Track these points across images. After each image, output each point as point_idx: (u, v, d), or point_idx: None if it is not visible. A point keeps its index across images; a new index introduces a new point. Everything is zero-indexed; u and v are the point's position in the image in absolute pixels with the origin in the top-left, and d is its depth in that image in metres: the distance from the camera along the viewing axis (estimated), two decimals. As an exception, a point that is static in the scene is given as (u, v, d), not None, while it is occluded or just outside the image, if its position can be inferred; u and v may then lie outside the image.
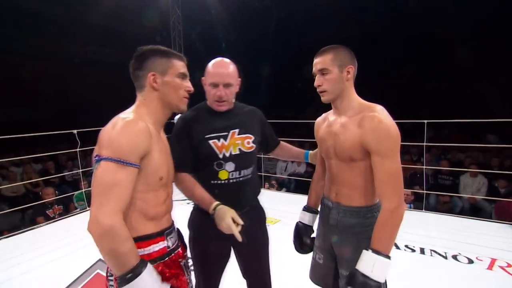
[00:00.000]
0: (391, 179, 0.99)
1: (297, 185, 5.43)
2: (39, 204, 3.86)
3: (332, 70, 1.07)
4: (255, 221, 1.34)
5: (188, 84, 1.00)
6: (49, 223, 3.39)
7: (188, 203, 3.80)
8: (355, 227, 1.11)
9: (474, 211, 4.03)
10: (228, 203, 1.24)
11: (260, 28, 12.17)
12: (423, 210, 3.41)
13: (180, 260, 1.01)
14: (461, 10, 8.53)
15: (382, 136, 0.98)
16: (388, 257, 0.96)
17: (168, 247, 0.97)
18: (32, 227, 3.22)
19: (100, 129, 0.88)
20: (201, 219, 1.31)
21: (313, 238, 1.34)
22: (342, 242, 1.14)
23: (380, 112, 1.02)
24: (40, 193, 4.39)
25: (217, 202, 1.14)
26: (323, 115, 1.29)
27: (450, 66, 9.60)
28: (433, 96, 10.00)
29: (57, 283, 2.08)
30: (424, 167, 3.79)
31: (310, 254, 1.35)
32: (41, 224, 3.35)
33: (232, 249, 1.36)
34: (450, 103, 8.95)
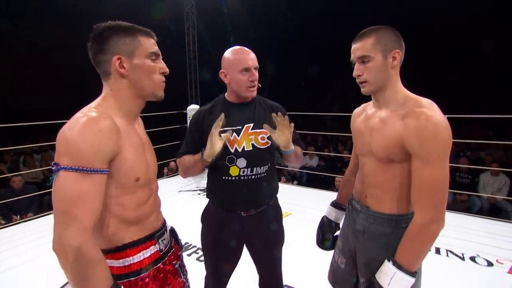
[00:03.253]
0: (430, 189, 0.84)
1: (309, 179, 5.39)
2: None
3: (374, 56, 0.91)
4: (270, 220, 1.31)
5: (162, 65, 0.85)
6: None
7: (199, 194, 3.83)
8: (385, 237, 0.97)
9: (494, 211, 3.87)
10: (239, 202, 1.23)
11: (274, 22, 11.97)
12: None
13: (174, 262, 0.94)
14: (486, 1, 8.08)
15: (427, 137, 0.82)
16: (411, 275, 0.86)
17: (161, 250, 0.88)
18: (50, 211, 3.33)
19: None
20: (214, 214, 1.30)
21: (337, 236, 1.26)
22: (368, 251, 1.01)
23: (428, 107, 0.85)
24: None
25: (203, 151, 1.16)
26: (362, 105, 1.14)
27: (473, 58, 9.16)
28: (453, 89, 9.62)
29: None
30: (449, 158, 3.64)
31: (327, 252, 1.30)
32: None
33: (245, 246, 1.34)
34: (471, 97, 8.58)
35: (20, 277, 2.10)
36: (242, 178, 1.21)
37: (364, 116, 1.08)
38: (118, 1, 8.93)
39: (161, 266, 0.87)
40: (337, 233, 1.28)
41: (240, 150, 1.20)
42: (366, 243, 1.03)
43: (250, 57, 1.19)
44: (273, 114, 1.13)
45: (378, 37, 0.92)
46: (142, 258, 0.82)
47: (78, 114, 0.73)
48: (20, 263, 2.25)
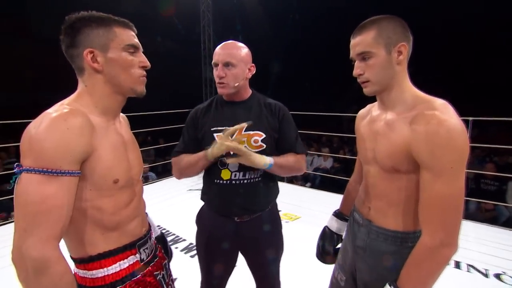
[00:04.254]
0: (441, 206, 0.72)
1: (322, 181, 5.24)
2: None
3: (376, 52, 0.80)
4: (266, 228, 1.22)
5: (142, 59, 0.78)
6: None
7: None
8: (388, 256, 0.86)
9: (524, 223, 3.59)
10: (231, 206, 1.16)
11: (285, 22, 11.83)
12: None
13: (157, 273, 0.85)
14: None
15: (439, 144, 0.70)
16: None
17: (142, 260, 0.80)
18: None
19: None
20: (208, 217, 1.24)
21: (338, 249, 1.16)
22: (368, 270, 0.91)
23: (442, 110, 0.73)
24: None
25: (206, 148, 1.09)
26: (368, 106, 1.03)
27: (501, 58, 8.61)
28: (480, 90, 9.09)
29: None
30: (465, 170, 3.40)
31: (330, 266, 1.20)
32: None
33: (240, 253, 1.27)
34: (499, 98, 8.07)
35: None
36: (234, 182, 1.14)
37: (368, 118, 0.96)
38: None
39: (140, 277, 0.79)
40: (339, 245, 1.17)
41: (232, 153, 1.11)
42: (367, 261, 0.92)
43: (220, 51, 1.11)
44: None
45: (380, 29, 0.80)
46: (118, 269, 0.75)
47: (48, 110, 0.67)
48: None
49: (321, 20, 11.01)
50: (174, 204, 3.44)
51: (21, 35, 8.97)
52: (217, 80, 1.12)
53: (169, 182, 4.27)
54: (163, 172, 5.64)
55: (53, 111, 0.66)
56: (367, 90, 0.86)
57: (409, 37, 0.82)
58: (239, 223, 1.17)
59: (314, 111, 4.46)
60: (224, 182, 1.14)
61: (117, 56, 0.74)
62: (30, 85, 9.36)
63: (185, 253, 2.34)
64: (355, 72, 0.86)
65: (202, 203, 1.28)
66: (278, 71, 11.15)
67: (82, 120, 0.67)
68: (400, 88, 0.83)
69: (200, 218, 1.28)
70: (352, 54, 0.86)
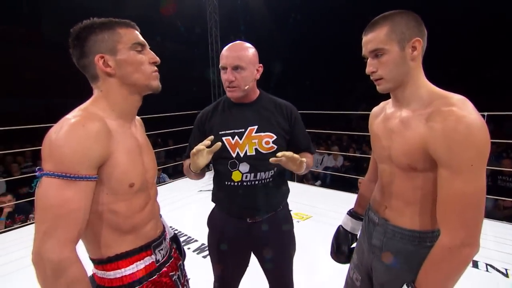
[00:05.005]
0: (460, 205, 0.69)
1: (333, 180, 5.19)
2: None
3: (390, 49, 0.78)
4: (278, 228, 1.22)
5: (151, 55, 0.79)
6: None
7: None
8: (406, 256, 0.84)
9: (543, 220, 3.46)
10: (243, 208, 1.16)
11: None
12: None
13: (172, 274, 0.87)
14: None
15: (458, 141, 0.68)
16: None
17: (157, 261, 0.82)
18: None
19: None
20: (219, 219, 1.24)
21: (353, 248, 1.15)
22: (385, 270, 0.89)
23: (460, 105, 0.70)
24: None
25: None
26: (381, 104, 1.01)
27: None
28: (495, 84, 8.81)
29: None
30: (485, 167, 3.29)
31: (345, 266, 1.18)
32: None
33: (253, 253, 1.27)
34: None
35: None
36: (245, 183, 1.13)
37: (383, 116, 0.94)
38: (137, 2, 9.22)
39: (157, 278, 0.81)
40: (354, 245, 1.16)
41: (242, 155, 1.11)
42: (383, 261, 0.90)
43: (228, 55, 1.08)
44: (278, 154, 1.01)
45: (393, 25, 0.77)
46: (135, 270, 0.77)
47: (67, 116, 0.69)
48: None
49: (326, 18, 10.90)
50: (185, 205, 3.47)
51: (27, 41, 9.21)
52: (226, 84, 1.10)
53: (180, 183, 4.31)
54: (173, 173, 5.70)
55: (72, 116, 0.68)
56: (380, 88, 0.84)
57: (424, 31, 0.79)
58: (251, 224, 1.17)
59: (322, 109, 4.42)
60: (235, 184, 1.14)
61: (126, 57, 0.74)
62: (43, 91, 9.60)
63: (198, 253, 2.35)
64: (368, 69, 0.84)
65: (213, 204, 1.29)
66: (283, 70, 11.10)
67: (100, 125, 0.68)
68: (415, 85, 0.81)
69: (212, 220, 1.29)
70: (365, 51, 0.84)
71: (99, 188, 0.70)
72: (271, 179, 1.16)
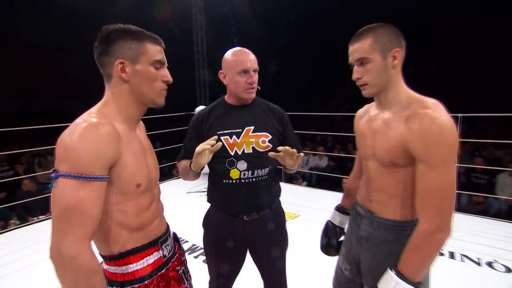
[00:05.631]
0: (435, 195, 0.80)
1: (319, 179, 5.32)
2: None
3: (373, 58, 0.87)
4: (273, 224, 1.28)
5: (165, 73, 0.84)
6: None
7: (201, 196, 3.83)
8: (389, 244, 0.94)
9: (512, 213, 3.72)
10: (241, 205, 1.21)
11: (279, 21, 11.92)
12: (454, 211, 3.18)
13: (178, 268, 0.92)
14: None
15: (432, 140, 0.78)
16: (415, 285, 0.82)
17: (164, 256, 0.87)
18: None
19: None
20: (216, 219, 1.28)
21: (341, 241, 1.23)
22: (372, 258, 0.98)
23: (434, 108, 0.81)
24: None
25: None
26: (365, 106, 1.10)
27: (491, 54, 8.83)
28: (469, 87, 9.31)
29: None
30: (457, 164, 3.50)
31: (334, 257, 1.26)
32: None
33: (248, 251, 1.32)
34: (489, 94, 8.29)
35: (37, 276, 2.14)
36: (243, 181, 1.19)
37: (367, 118, 1.04)
38: (124, 2, 9.07)
39: (165, 272, 0.86)
40: (342, 238, 1.24)
41: (240, 153, 1.18)
42: (370, 249, 0.99)
43: (249, 59, 1.17)
44: (279, 148, 1.09)
45: (376, 36, 0.88)
46: (145, 264, 0.81)
47: (78, 120, 0.73)
48: (36, 262, 2.30)
49: (313, 20, 11.15)
50: (175, 207, 3.47)
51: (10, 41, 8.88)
52: (246, 86, 1.16)
53: (168, 185, 4.29)
54: (161, 175, 5.63)
55: (84, 120, 0.72)
56: (365, 93, 0.94)
57: (402, 43, 0.89)
58: (248, 221, 1.23)
59: (307, 111, 4.53)
60: (234, 181, 1.19)
61: (144, 69, 0.79)
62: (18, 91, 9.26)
63: (189, 254, 2.38)
64: (354, 76, 0.93)
65: (202, 204, 1.33)
66: (272, 72, 11.22)
67: (111, 128, 0.72)
68: (396, 90, 0.91)
69: (208, 220, 1.32)
70: (351, 59, 0.93)
71: (109, 189, 0.74)
72: (267, 177, 1.22)
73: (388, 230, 0.94)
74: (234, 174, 1.19)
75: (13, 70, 8.89)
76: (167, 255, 0.89)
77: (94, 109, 0.79)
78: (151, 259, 0.83)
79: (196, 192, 3.96)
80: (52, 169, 0.69)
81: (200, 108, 4.86)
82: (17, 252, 2.48)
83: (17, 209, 3.67)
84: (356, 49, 0.90)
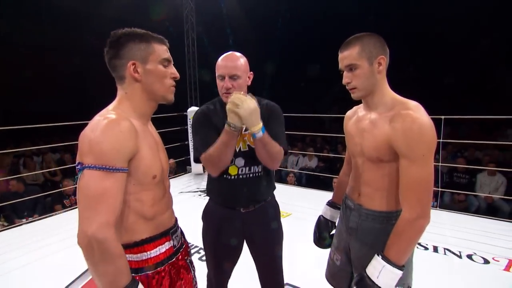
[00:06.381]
0: (416, 187, 0.89)
1: (308, 180, 5.43)
2: (57, 193, 4.02)
3: (361, 64, 0.97)
4: (269, 216, 1.35)
5: (173, 71, 0.90)
6: (66, 210, 3.53)
7: (200, 195, 3.87)
8: (376, 233, 1.02)
9: (491, 211, 3.92)
10: (239, 199, 1.28)
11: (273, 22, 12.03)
12: (437, 208, 3.35)
13: (186, 258, 0.99)
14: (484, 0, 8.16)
15: (413, 138, 0.87)
16: (399, 268, 0.90)
17: (174, 246, 0.93)
18: (52, 213, 3.35)
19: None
20: (215, 211, 1.34)
21: (333, 234, 1.31)
22: (360, 247, 1.07)
23: (414, 109, 0.90)
24: (61, 185, 4.58)
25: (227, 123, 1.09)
26: (354, 108, 1.20)
27: (471, 59, 9.21)
28: (452, 90, 9.67)
29: (73, 268, 2.17)
30: (440, 164, 3.69)
31: (325, 251, 1.35)
32: (58, 212, 3.48)
33: (245, 242, 1.38)
34: (470, 98, 8.63)
35: (25, 278, 2.13)
36: (241, 176, 1.27)
37: (355, 118, 1.13)
38: (117, 4, 8.98)
39: (175, 261, 0.92)
40: (333, 231, 1.32)
41: (237, 150, 1.24)
42: (359, 239, 1.08)
43: (226, 65, 1.20)
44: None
45: (363, 45, 0.97)
46: (158, 253, 0.87)
47: (98, 117, 0.78)
48: (25, 264, 2.28)
49: (304, 23, 11.29)
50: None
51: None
52: (223, 90, 1.22)
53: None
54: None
55: (105, 117, 0.77)
56: (354, 96, 1.04)
57: (387, 50, 0.99)
58: (245, 213, 1.30)
59: (297, 112, 4.62)
60: (232, 177, 1.27)
61: (154, 68, 0.85)
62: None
63: (183, 252, 2.41)
64: (344, 81, 1.03)
65: (195, 204, 1.37)
66: (267, 73, 11.30)
67: (130, 124, 0.78)
68: (381, 93, 1.01)
69: (207, 213, 1.39)
70: (341, 66, 1.03)
71: (128, 179, 0.79)
72: (262, 172, 1.31)
73: (375, 220, 1.03)
74: (233, 170, 1.26)
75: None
76: (176, 245, 0.94)
77: (111, 107, 0.84)
78: (163, 248, 0.88)
79: (189, 192, 3.98)
80: (77, 162, 0.74)
81: (193, 109, 4.89)
82: (4, 255, 2.45)
83: (6, 210, 3.60)
84: (346, 56, 1.00)
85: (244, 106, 1.04)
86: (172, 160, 4.72)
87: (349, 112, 1.22)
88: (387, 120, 0.95)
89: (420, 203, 0.89)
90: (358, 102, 1.15)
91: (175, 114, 4.85)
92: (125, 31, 0.84)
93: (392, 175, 0.97)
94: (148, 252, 0.85)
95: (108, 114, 0.78)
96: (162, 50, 0.87)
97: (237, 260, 1.39)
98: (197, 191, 4.01)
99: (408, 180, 0.90)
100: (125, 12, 9.13)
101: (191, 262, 1.04)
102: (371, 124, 1.01)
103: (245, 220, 1.31)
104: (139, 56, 0.83)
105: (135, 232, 0.84)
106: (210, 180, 1.37)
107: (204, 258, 2.13)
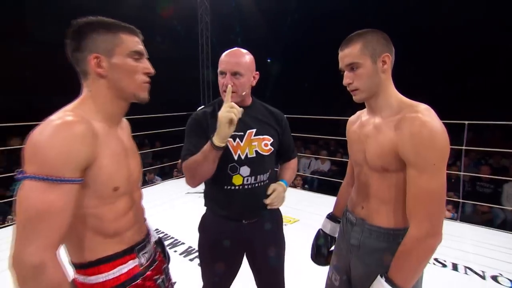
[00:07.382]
0: (425, 200, 0.78)
1: (320, 184, 5.26)
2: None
3: (363, 63, 0.87)
4: (271, 227, 1.24)
5: (146, 65, 0.78)
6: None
7: (199, 197, 3.79)
8: (381, 252, 0.90)
9: (518, 225, 3.63)
10: (241, 210, 1.18)
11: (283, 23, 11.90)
12: (458, 220, 3.11)
13: (156, 277, 0.85)
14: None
15: (423, 145, 0.76)
16: None
17: (141, 264, 0.80)
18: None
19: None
20: (214, 223, 1.23)
21: (332, 251, 1.19)
22: (362, 267, 0.95)
23: (424, 113, 0.79)
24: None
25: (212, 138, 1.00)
26: (357, 112, 1.09)
27: (498, 61, 8.71)
28: (476, 94, 9.19)
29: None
30: (462, 173, 3.43)
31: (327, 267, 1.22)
32: None
33: (245, 256, 1.27)
34: (495, 102, 8.16)
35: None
36: (246, 187, 1.15)
37: (358, 123, 1.03)
38: (130, 1, 9.09)
39: (140, 282, 0.79)
40: (333, 248, 1.20)
41: (243, 157, 1.13)
42: (361, 258, 0.95)
43: (228, 60, 1.10)
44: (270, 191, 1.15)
45: (365, 42, 0.87)
46: (118, 274, 0.75)
47: (51, 117, 0.66)
48: None
49: (318, 22, 11.09)
50: (173, 207, 3.43)
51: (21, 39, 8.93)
52: (223, 88, 1.11)
53: (168, 185, 4.27)
54: (162, 174, 5.63)
55: (57, 118, 0.65)
56: (356, 98, 0.93)
57: (391, 48, 0.89)
58: (247, 225, 1.19)
59: (311, 114, 4.49)
60: (236, 187, 1.15)
61: (121, 62, 0.74)
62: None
63: (184, 256, 2.33)
64: (345, 81, 0.92)
65: (201, 206, 1.28)
66: (275, 74, 11.19)
67: (85, 128, 0.66)
68: (386, 95, 0.90)
69: (204, 225, 1.27)
70: (341, 65, 0.92)
71: (83, 191, 0.68)
72: (267, 181, 1.19)
73: (380, 238, 0.91)
74: (237, 180, 1.14)
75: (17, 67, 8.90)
76: (144, 263, 0.82)
77: (69, 107, 0.73)
78: (125, 268, 0.76)
79: (195, 192, 3.92)
80: (19, 170, 0.63)
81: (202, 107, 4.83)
82: None
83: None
84: (346, 54, 0.90)
85: (280, 198, 1.17)
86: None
87: (352, 117, 1.12)
88: (393, 124, 0.84)
89: (429, 219, 0.78)
90: (364, 106, 1.03)
91: (186, 113, 4.82)
92: (88, 19, 0.72)
93: (400, 186, 0.86)
94: (105, 274, 0.73)
95: (62, 115, 0.67)
96: (131, 42, 0.75)
97: (236, 274, 1.29)
98: (198, 192, 3.95)
99: (416, 192, 0.79)
100: (142, 10, 9.25)
101: (166, 280, 0.91)
102: (375, 129, 0.91)
103: (247, 232, 1.19)
104: (103, 48, 0.72)
105: (91, 251, 0.73)
106: (209, 189, 1.25)
107: (173, 281, 2.03)
